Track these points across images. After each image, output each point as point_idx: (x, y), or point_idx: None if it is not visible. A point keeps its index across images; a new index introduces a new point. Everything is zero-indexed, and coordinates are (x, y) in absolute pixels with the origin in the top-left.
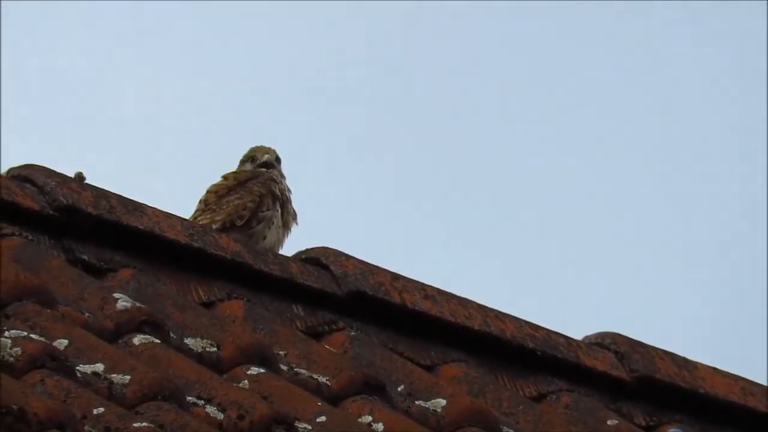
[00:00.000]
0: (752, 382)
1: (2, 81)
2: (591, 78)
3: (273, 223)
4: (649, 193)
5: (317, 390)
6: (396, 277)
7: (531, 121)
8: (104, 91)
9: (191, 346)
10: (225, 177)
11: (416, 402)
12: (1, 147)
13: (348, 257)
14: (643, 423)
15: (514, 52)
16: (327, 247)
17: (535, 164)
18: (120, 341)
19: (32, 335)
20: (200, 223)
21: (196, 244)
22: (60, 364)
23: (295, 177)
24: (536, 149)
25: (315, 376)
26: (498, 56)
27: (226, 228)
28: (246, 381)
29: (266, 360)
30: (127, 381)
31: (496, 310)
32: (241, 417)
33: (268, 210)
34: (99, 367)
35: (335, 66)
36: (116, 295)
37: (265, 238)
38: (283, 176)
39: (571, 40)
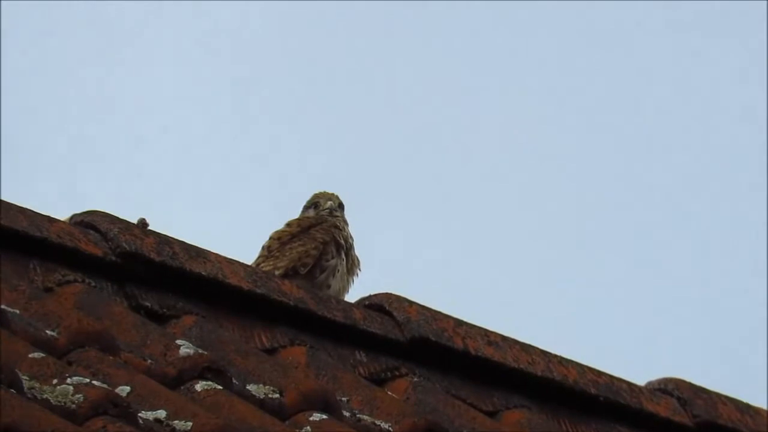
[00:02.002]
0: None
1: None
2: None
3: (338, 271)
4: (716, 239)
5: None
6: (459, 323)
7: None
8: (168, 141)
9: (254, 393)
10: (289, 224)
11: None
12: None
13: (411, 303)
14: None
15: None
16: (390, 293)
17: (595, 204)
18: (182, 388)
19: (94, 382)
20: (263, 269)
21: (259, 291)
22: (122, 411)
23: (356, 221)
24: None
25: (378, 422)
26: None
27: (289, 275)
28: (308, 427)
29: (329, 406)
30: (189, 427)
31: (559, 356)
32: None
33: (332, 258)
34: (161, 413)
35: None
36: (179, 341)
37: (329, 286)
38: (346, 222)
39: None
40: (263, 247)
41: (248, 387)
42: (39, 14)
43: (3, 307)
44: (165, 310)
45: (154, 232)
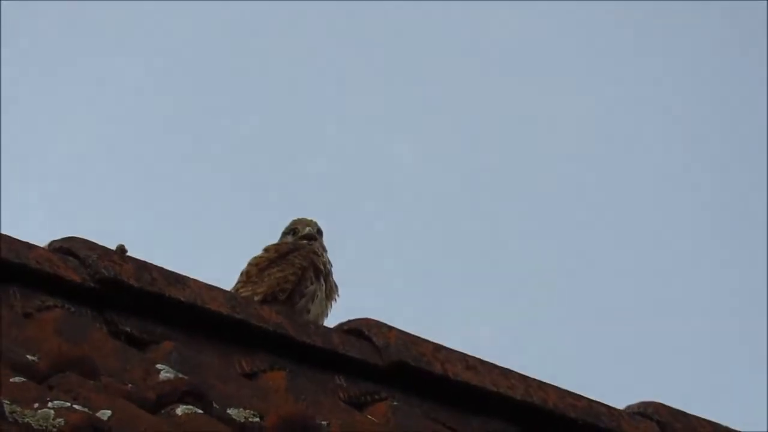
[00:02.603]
0: None
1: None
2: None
3: (317, 296)
4: (697, 256)
5: None
6: (438, 347)
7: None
8: (147, 164)
9: (234, 417)
10: (266, 249)
11: None
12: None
13: (390, 328)
14: None
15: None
16: (369, 319)
17: (579, 230)
18: (163, 412)
19: (75, 406)
20: (242, 295)
21: (238, 316)
22: None
23: (334, 247)
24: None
25: None
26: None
27: (268, 301)
28: None
29: (309, 430)
30: None
31: (538, 380)
32: None
33: (311, 284)
34: None
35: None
36: (159, 366)
37: (309, 311)
38: (324, 249)
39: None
40: (242, 273)
41: (228, 411)
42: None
43: None
44: (145, 336)
45: (133, 258)
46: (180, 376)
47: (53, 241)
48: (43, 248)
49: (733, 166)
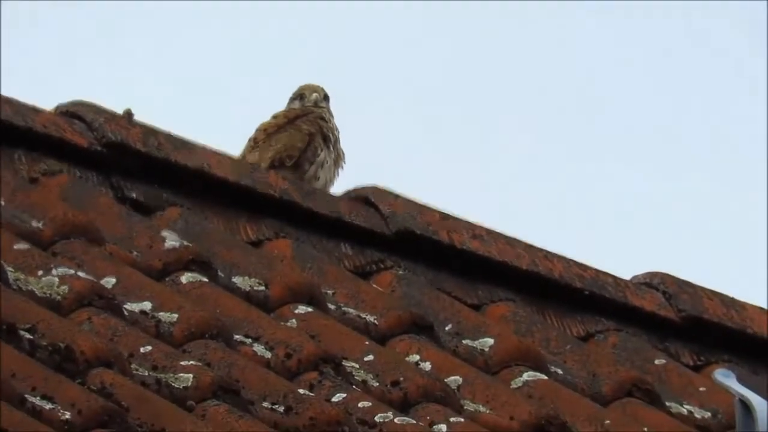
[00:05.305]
0: None
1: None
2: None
3: (326, 163)
4: (702, 138)
5: (365, 329)
6: (444, 216)
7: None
8: (156, 27)
9: (239, 285)
10: (275, 116)
11: (463, 341)
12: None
13: (396, 196)
14: (691, 363)
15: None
16: (376, 186)
17: (594, 105)
18: (167, 280)
19: (79, 273)
20: (249, 161)
21: (244, 183)
22: (107, 303)
23: (344, 115)
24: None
25: (363, 315)
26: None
27: (275, 166)
28: (294, 320)
29: (314, 299)
30: (175, 319)
31: (545, 250)
32: (288, 356)
33: (321, 151)
34: (146, 305)
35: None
36: (164, 233)
37: (318, 179)
38: (331, 114)
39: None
40: (250, 139)
41: (234, 279)
42: None
43: None
44: (150, 202)
45: (140, 122)
46: (185, 244)
47: (60, 105)
48: (49, 112)
49: None
